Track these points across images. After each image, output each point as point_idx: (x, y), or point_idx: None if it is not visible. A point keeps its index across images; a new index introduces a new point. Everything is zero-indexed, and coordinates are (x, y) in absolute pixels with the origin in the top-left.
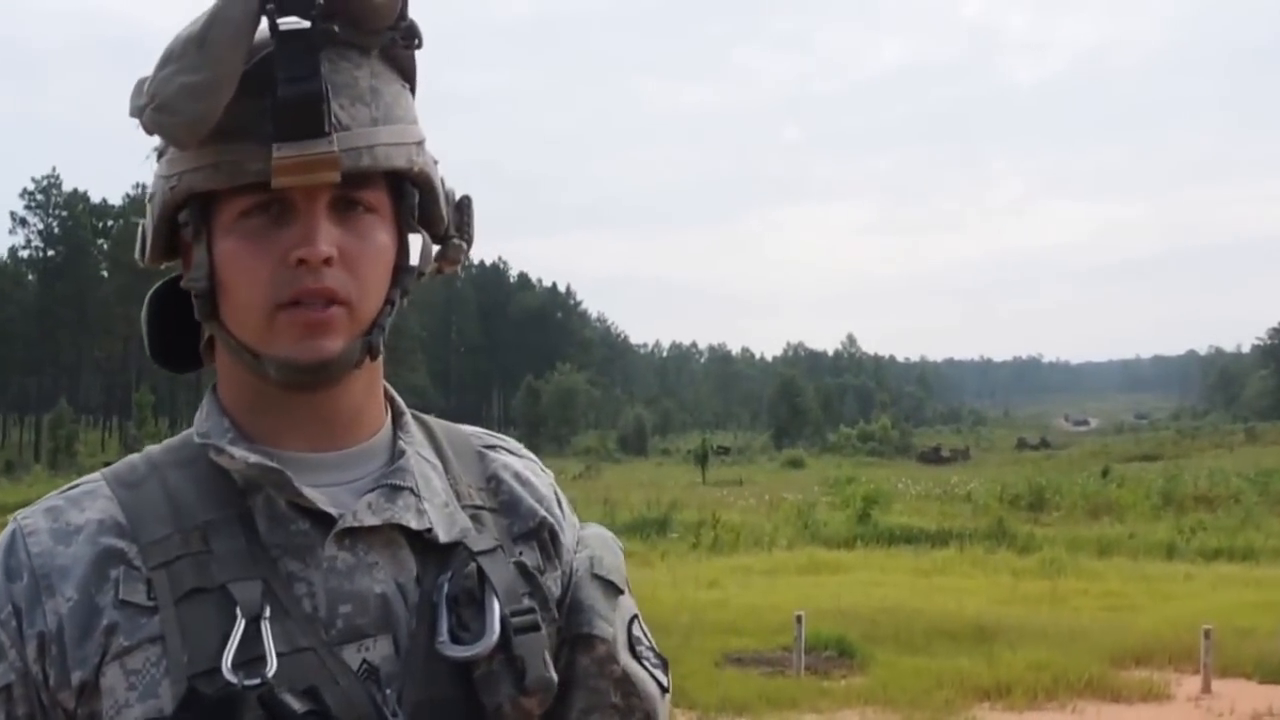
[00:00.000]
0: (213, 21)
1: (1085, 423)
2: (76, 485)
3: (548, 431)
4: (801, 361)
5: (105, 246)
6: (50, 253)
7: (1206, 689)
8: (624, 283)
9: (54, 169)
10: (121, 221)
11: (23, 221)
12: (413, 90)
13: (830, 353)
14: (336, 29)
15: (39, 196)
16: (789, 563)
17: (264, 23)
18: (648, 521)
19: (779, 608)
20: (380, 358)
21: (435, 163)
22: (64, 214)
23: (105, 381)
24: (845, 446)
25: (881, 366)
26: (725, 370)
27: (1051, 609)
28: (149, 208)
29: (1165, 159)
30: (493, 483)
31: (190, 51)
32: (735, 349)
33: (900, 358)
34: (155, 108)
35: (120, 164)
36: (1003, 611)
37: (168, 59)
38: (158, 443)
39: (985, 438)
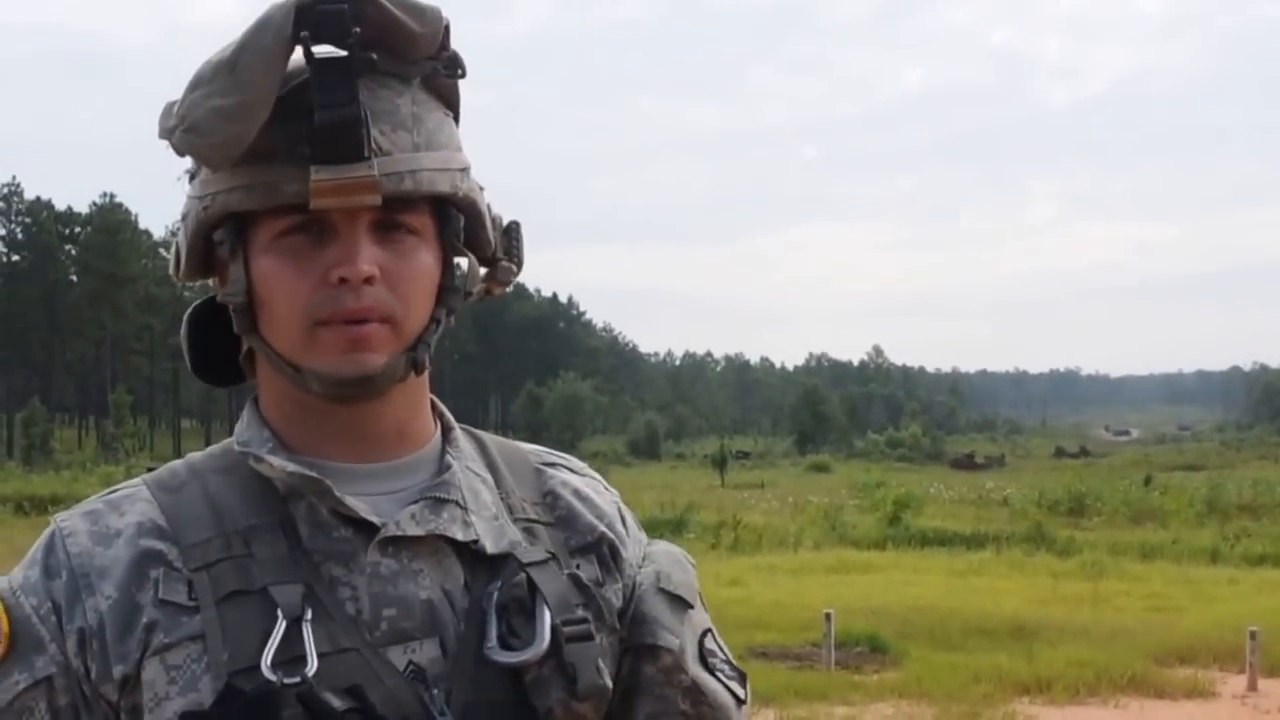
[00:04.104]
0: (244, 47)
1: (1126, 433)
2: (117, 489)
3: (551, 437)
4: (825, 371)
5: (73, 252)
6: (15, 258)
7: (1253, 687)
8: (631, 295)
9: (14, 178)
10: (89, 228)
11: None
12: (456, 119)
13: (855, 363)
14: (375, 57)
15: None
16: (816, 563)
17: (300, 50)
18: (661, 523)
19: (807, 605)
20: (426, 373)
21: (480, 189)
22: (27, 220)
23: (78, 382)
24: (873, 452)
25: (910, 377)
26: (743, 378)
27: (1093, 609)
28: (182, 227)
29: (1204, 182)
30: (549, 498)
31: (221, 76)
32: (754, 359)
33: (930, 369)
34: (186, 129)
35: (82, 174)
36: (1042, 611)
37: (198, 83)
38: (136, 440)
39: (1022, 445)
